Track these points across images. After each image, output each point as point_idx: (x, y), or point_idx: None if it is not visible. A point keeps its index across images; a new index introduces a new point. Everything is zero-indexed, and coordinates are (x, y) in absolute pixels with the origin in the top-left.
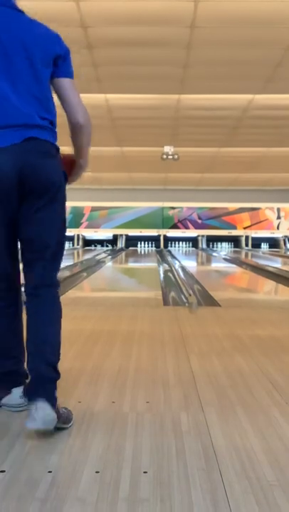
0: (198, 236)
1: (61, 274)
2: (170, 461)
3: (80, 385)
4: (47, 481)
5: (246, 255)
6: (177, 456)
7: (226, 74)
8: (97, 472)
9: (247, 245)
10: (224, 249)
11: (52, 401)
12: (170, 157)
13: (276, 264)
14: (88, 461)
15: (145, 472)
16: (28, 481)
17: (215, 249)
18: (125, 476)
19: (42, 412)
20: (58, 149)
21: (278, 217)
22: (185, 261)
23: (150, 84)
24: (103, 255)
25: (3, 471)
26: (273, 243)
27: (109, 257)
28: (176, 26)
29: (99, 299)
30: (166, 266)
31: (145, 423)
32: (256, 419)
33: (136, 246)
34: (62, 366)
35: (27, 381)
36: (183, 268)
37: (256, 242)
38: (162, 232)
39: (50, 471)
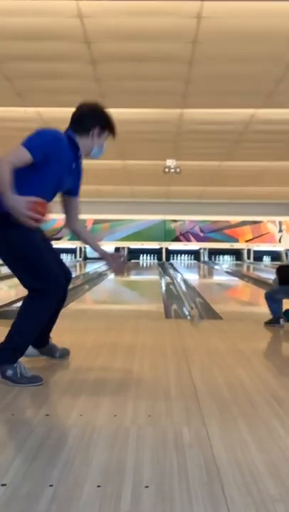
0: (200, 249)
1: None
2: (172, 475)
3: (81, 398)
4: (48, 495)
5: (248, 268)
6: (179, 470)
7: (228, 89)
8: (98, 486)
9: (249, 258)
10: (226, 262)
11: None
12: (172, 170)
13: None
14: (89, 475)
15: (147, 487)
16: (29, 494)
17: (217, 262)
18: (127, 490)
19: None
20: None
21: (280, 231)
22: (187, 274)
23: (153, 99)
24: (105, 268)
25: (4, 485)
26: (275, 256)
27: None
28: (179, 42)
29: (101, 311)
30: (168, 279)
31: (147, 437)
32: (258, 432)
33: (138, 259)
34: (64, 379)
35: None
36: (185, 281)
37: (258, 255)
38: (164, 245)
39: (51, 485)
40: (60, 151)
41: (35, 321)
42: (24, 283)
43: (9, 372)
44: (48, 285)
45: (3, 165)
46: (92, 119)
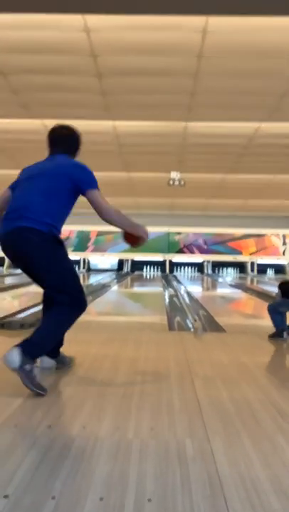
0: (204, 261)
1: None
2: (175, 489)
3: (84, 410)
4: (50, 507)
5: (252, 281)
6: (182, 483)
7: (233, 103)
8: (101, 499)
9: (252, 271)
10: (230, 274)
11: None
12: (176, 183)
13: None
14: (92, 487)
15: (149, 500)
16: (31, 506)
17: (220, 274)
18: (129, 503)
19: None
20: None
21: (284, 244)
22: (190, 286)
23: (158, 112)
24: (108, 279)
25: (6, 496)
26: (279, 269)
27: (115, 281)
28: (184, 56)
29: (104, 323)
30: (171, 291)
31: (150, 449)
32: (261, 446)
33: (142, 270)
34: (66, 390)
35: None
36: (188, 293)
37: (262, 268)
38: (168, 257)
39: (53, 497)
40: None
41: (62, 329)
42: (58, 295)
43: (27, 367)
44: (79, 300)
45: (118, 213)
46: (76, 142)
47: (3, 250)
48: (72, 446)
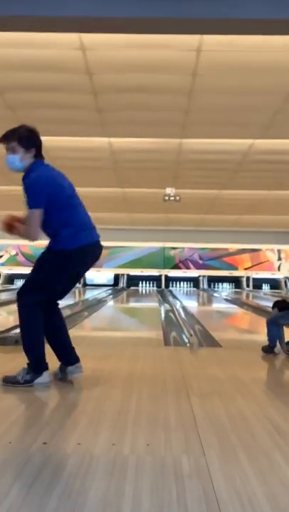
0: (200, 276)
1: (62, 313)
2: (171, 505)
3: (79, 427)
4: None
5: (247, 296)
6: (178, 500)
7: (227, 120)
8: None
9: (248, 286)
10: (225, 289)
11: None
12: (172, 198)
13: None
14: (87, 504)
15: None
16: None
17: (216, 289)
18: None
19: None
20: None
21: (279, 259)
22: (186, 301)
23: (153, 129)
24: (104, 295)
25: None
26: (274, 284)
27: (111, 296)
28: (179, 74)
29: (100, 338)
30: (167, 306)
31: (146, 466)
32: (258, 462)
33: (137, 286)
34: (61, 406)
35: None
36: (184, 308)
37: (257, 283)
38: (163, 272)
39: None
40: None
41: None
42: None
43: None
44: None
45: None
46: None
47: (87, 257)
48: (68, 463)
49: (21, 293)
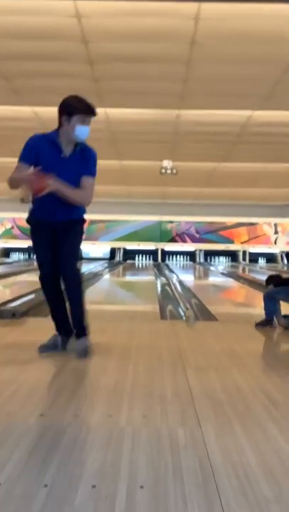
0: (196, 250)
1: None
2: (167, 477)
3: (76, 399)
4: (42, 495)
5: (244, 270)
6: (174, 471)
7: (225, 90)
8: (93, 486)
9: (244, 260)
10: (222, 263)
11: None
12: (169, 171)
13: None
14: (84, 475)
15: (141, 487)
16: (23, 495)
17: (212, 263)
18: (121, 490)
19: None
20: None
21: (275, 233)
22: (182, 275)
23: (150, 99)
24: (100, 268)
25: None
26: (270, 258)
27: (107, 269)
28: (177, 43)
29: (96, 312)
30: (163, 279)
31: (142, 438)
32: (253, 434)
33: (134, 259)
34: (58, 379)
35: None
36: (180, 282)
37: (254, 257)
38: (160, 245)
39: (45, 485)
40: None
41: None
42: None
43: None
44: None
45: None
46: (59, 112)
47: None
48: (65, 435)
49: (74, 267)
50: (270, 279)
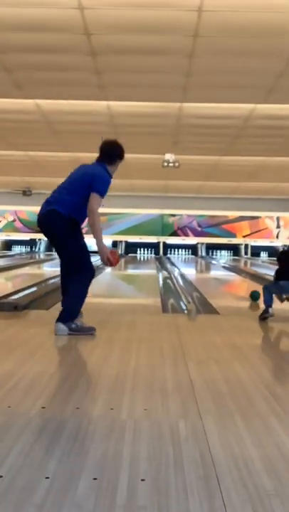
0: (198, 244)
1: (58, 280)
2: (168, 469)
3: (77, 392)
4: (44, 487)
5: (245, 264)
6: (175, 463)
7: (228, 83)
8: (94, 479)
9: (246, 254)
10: (223, 257)
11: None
12: (171, 165)
13: None
14: (86, 467)
15: (143, 480)
16: (25, 486)
17: (214, 257)
18: (123, 483)
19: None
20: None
21: (278, 226)
22: (184, 268)
23: (152, 92)
24: (99, 263)
25: (0, 477)
26: (272, 252)
27: None
28: (180, 35)
29: (97, 305)
30: (165, 273)
31: (143, 430)
32: (254, 427)
33: (135, 253)
34: (60, 372)
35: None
36: (182, 275)
37: (255, 251)
38: (162, 239)
39: (47, 477)
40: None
41: (82, 292)
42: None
43: (73, 326)
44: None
45: (97, 219)
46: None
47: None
48: (66, 427)
49: None
50: (283, 255)
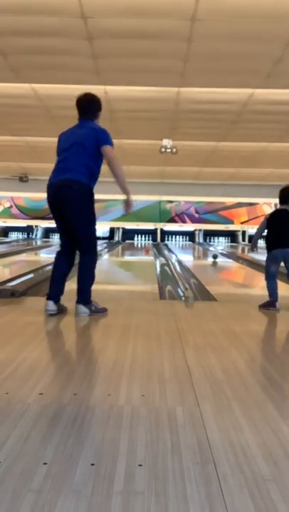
0: (195, 230)
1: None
2: (165, 455)
3: (75, 378)
4: (42, 473)
5: (243, 250)
6: (172, 449)
7: (227, 68)
8: (92, 464)
9: (244, 240)
10: (221, 243)
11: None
12: (168, 150)
13: None
14: (83, 453)
15: (140, 465)
16: (22, 473)
17: (212, 243)
18: (120, 468)
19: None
20: None
21: None
22: (181, 255)
23: (150, 77)
24: (99, 248)
25: None
26: None
27: (106, 249)
28: (177, 19)
29: (95, 291)
30: (162, 260)
31: (141, 416)
32: (251, 413)
33: (133, 239)
34: (57, 358)
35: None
36: (179, 262)
37: None
38: (159, 225)
39: (45, 463)
40: None
41: (92, 271)
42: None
43: (93, 308)
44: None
45: (120, 164)
46: (99, 106)
47: (48, 196)
48: (64, 414)
49: None
50: (272, 217)
